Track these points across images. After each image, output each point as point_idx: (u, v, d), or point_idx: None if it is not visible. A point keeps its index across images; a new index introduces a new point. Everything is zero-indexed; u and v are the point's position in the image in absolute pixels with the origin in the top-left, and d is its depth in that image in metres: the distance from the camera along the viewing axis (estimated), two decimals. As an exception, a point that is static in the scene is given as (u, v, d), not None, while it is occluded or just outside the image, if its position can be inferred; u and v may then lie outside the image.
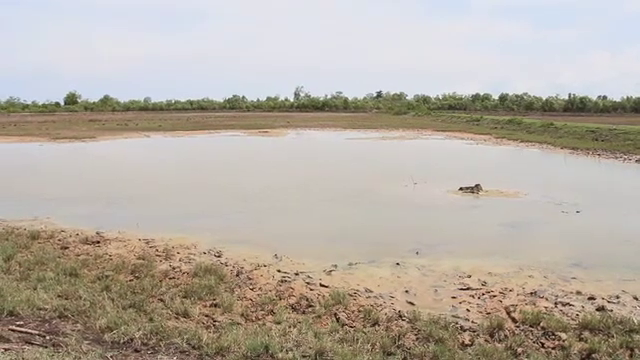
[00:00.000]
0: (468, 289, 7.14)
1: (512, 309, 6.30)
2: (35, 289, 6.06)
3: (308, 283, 7.29)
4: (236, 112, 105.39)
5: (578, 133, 35.87)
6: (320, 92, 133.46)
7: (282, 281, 7.32)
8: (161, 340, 4.73)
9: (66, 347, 4.28)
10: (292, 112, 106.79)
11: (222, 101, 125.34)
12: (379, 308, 6.31)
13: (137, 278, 7.13)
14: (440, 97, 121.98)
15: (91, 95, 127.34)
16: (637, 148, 27.30)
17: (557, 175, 20.07)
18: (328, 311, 6.10)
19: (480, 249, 9.28)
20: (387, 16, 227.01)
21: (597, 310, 6.27)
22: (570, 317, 6.05)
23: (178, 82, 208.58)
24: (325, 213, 12.83)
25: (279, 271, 7.81)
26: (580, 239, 10.41)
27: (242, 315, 5.99)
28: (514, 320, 5.99)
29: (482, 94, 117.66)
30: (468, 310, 6.39)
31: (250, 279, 7.36)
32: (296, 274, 7.68)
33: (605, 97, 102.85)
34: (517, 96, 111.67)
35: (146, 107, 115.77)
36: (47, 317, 5.16)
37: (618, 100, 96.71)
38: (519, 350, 5.15)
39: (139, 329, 4.85)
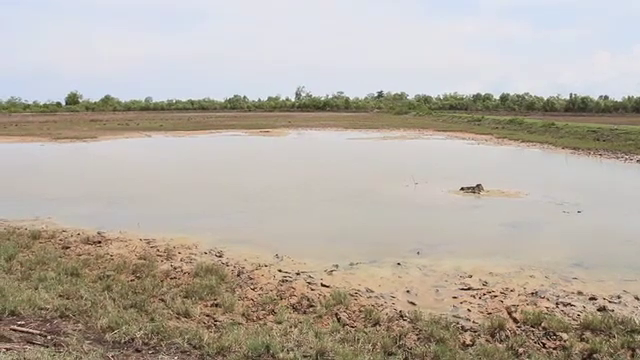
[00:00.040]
0: (469, 289, 7.14)
1: (513, 309, 6.29)
2: (36, 289, 6.07)
3: (309, 283, 7.29)
4: (237, 112, 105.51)
5: (579, 133, 35.82)
6: (321, 92, 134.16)
7: (283, 281, 7.32)
8: (162, 340, 4.74)
9: (67, 347, 4.29)
10: (293, 112, 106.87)
11: (223, 101, 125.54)
12: (380, 308, 6.31)
13: (138, 278, 7.14)
14: (441, 97, 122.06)
15: (92, 95, 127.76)
16: (638, 148, 27.26)
17: (558, 175, 20.04)
18: (329, 311, 6.10)
19: (481, 249, 9.28)
20: (387, 16, 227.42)
21: (598, 310, 6.27)
22: (571, 317, 6.04)
23: (178, 82, 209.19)
24: (326, 213, 12.83)
25: (280, 271, 7.81)
26: (581, 239, 10.40)
27: (243, 315, 5.99)
28: (515, 320, 5.98)
29: (483, 94, 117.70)
30: (469, 310, 6.39)
31: (251, 279, 7.37)
32: (297, 274, 7.68)
33: (606, 97, 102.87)
34: (518, 96, 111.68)
35: (147, 107, 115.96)
36: (48, 317, 5.17)
37: (619, 100, 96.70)
38: (520, 350, 5.14)
39: (140, 329, 4.86)
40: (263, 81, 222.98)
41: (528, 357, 5.03)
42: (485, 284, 7.34)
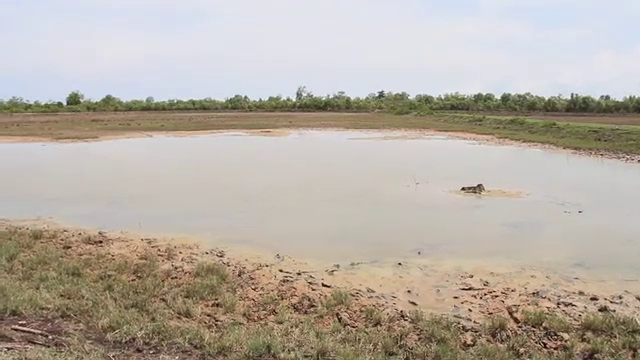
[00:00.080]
0: (470, 289, 7.13)
1: (514, 309, 6.29)
2: (38, 289, 6.07)
3: (310, 283, 7.29)
4: (238, 112, 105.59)
5: (580, 133, 35.79)
6: (322, 92, 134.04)
7: (284, 281, 7.32)
8: (163, 340, 4.74)
9: (68, 346, 4.29)
10: (294, 112, 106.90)
11: (224, 101, 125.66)
12: (381, 308, 6.31)
13: (139, 278, 7.14)
14: (442, 97, 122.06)
15: (93, 95, 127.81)
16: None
17: (559, 175, 20.02)
18: (330, 311, 6.10)
19: (482, 249, 9.27)
20: (388, 16, 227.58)
21: (600, 310, 6.26)
22: (572, 317, 6.04)
23: (179, 82, 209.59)
24: (327, 213, 12.83)
25: (281, 271, 7.81)
26: (582, 239, 10.39)
27: (244, 315, 5.99)
28: (516, 320, 5.98)
29: (484, 94, 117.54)
30: (470, 310, 6.38)
31: (252, 279, 7.37)
32: (298, 274, 7.68)
33: (608, 97, 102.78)
34: (519, 96, 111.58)
35: (148, 107, 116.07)
36: (50, 316, 5.18)
37: (621, 100, 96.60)
38: (521, 350, 5.14)
39: (141, 329, 4.86)
40: (264, 81, 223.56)
41: (529, 357, 5.03)
42: (486, 284, 7.33)
